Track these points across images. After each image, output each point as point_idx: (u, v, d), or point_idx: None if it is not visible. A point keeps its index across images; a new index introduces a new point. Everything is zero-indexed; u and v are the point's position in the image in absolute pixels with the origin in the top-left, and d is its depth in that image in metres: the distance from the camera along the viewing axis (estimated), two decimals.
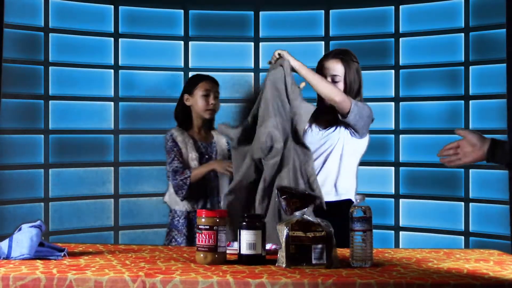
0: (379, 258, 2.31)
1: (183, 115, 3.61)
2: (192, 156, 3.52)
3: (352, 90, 3.05)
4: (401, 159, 4.96)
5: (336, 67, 3.07)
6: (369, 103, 3.07)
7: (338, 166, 3.01)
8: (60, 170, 4.78)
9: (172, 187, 3.54)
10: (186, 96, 3.58)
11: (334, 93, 2.91)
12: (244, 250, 2.20)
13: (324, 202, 2.71)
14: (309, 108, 2.88)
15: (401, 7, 4.97)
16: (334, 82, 3.04)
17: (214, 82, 3.61)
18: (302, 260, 2.12)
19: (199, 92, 3.54)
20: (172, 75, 5.11)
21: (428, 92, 4.89)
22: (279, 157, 2.73)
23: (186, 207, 3.54)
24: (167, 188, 3.66)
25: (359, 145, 3.06)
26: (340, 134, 3.01)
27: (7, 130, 4.53)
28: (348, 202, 2.91)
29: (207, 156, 3.57)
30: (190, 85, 3.61)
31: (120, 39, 5.00)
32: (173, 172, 3.49)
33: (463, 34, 4.76)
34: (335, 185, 3.00)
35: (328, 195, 2.93)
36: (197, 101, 3.55)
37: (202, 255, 2.20)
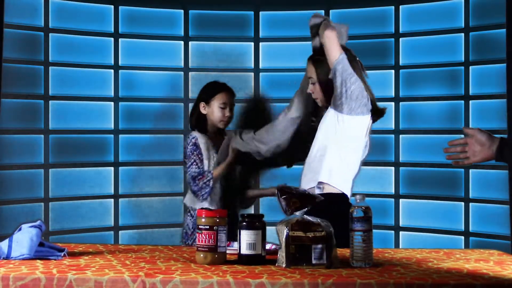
0: (379, 258, 2.31)
1: (198, 122, 3.67)
2: (214, 158, 3.62)
3: (329, 89, 2.96)
4: (401, 159, 4.95)
5: (310, 69, 3.05)
6: None
7: (323, 157, 2.95)
8: (60, 170, 4.78)
9: (192, 192, 3.58)
10: (202, 104, 3.66)
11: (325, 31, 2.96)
12: (244, 250, 2.20)
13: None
14: None
15: (401, 7, 4.97)
16: (312, 84, 3.03)
17: (231, 94, 3.69)
18: (302, 260, 2.12)
19: (216, 103, 3.63)
20: (172, 75, 5.11)
21: (428, 92, 4.89)
22: None
23: (210, 207, 3.57)
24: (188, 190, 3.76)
25: (352, 133, 2.94)
26: (326, 123, 2.97)
27: (7, 130, 4.53)
28: (335, 196, 2.87)
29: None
30: (208, 94, 3.69)
31: (120, 39, 5.00)
32: (192, 178, 3.55)
33: (463, 34, 4.75)
34: (318, 178, 2.95)
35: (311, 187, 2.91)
36: (214, 112, 3.63)
37: (202, 255, 2.20)
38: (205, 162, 3.61)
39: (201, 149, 3.61)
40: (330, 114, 2.95)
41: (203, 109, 3.66)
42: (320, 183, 2.91)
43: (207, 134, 3.69)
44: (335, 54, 2.88)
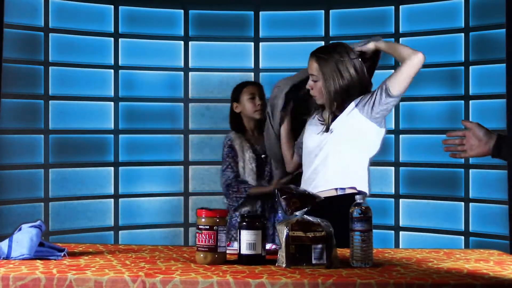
0: (379, 258, 2.31)
1: (235, 123, 3.74)
2: (249, 159, 3.65)
3: (332, 87, 2.89)
4: (401, 159, 4.95)
5: (312, 66, 2.93)
6: None
7: (329, 159, 2.92)
8: (60, 170, 4.78)
9: (224, 195, 3.62)
10: (234, 104, 3.78)
11: (413, 53, 2.89)
12: (244, 250, 2.20)
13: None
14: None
15: (401, 7, 4.97)
16: (313, 81, 2.94)
17: (257, 85, 3.81)
18: (302, 260, 2.11)
19: (245, 97, 3.72)
20: (172, 75, 5.12)
21: (428, 92, 4.89)
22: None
23: (246, 208, 3.61)
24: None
25: (379, 143, 2.94)
26: (350, 128, 2.92)
27: (7, 130, 4.54)
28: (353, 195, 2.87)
29: (263, 156, 3.68)
30: (236, 93, 3.79)
31: (120, 39, 5.00)
32: (226, 186, 3.61)
33: (463, 34, 4.76)
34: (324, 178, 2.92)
35: (318, 188, 2.89)
36: (245, 106, 3.72)
37: (202, 255, 2.19)
38: (240, 164, 3.65)
39: (236, 151, 3.67)
40: (357, 121, 2.90)
41: (236, 108, 3.75)
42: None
43: (245, 133, 3.73)
44: (405, 85, 2.89)
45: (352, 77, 2.92)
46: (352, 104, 2.91)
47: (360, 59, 2.99)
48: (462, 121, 2.45)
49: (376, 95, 2.88)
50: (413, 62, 2.88)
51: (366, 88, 2.95)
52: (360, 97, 2.91)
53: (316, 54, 2.96)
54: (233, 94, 3.79)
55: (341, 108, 2.93)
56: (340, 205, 2.70)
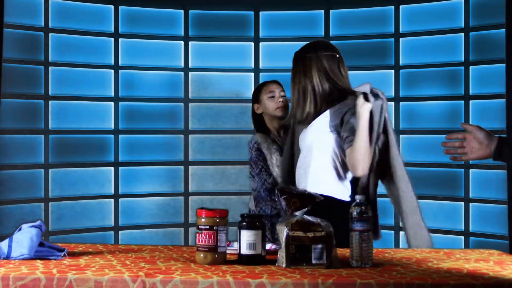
0: (379, 258, 2.31)
1: (258, 124, 3.68)
2: (277, 162, 3.57)
3: (296, 85, 2.94)
4: None
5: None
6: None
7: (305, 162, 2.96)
8: (60, 170, 4.78)
9: (260, 198, 3.54)
10: (256, 106, 3.69)
11: (359, 164, 2.81)
12: (244, 250, 2.20)
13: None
14: None
15: (401, 7, 4.97)
16: None
17: (276, 83, 3.72)
18: (302, 260, 2.12)
19: (264, 96, 3.63)
20: (172, 75, 5.12)
21: (428, 92, 4.89)
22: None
23: (271, 210, 3.57)
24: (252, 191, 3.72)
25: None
26: (314, 129, 2.94)
27: (7, 130, 4.54)
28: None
29: None
30: (256, 94, 3.72)
31: (120, 39, 5.00)
32: (267, 190, 3.52)
33: (463, 34, 4.76)
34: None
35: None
36: (266, 105, 3.62)
37: (202, 255, 2.20)
38: (269, 167, 3.61)
39: (264, 154, 3.60)
40: (328, 134, 2.94)
41: (257, 110, 3.67)
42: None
43: (270, 134, 3.67)
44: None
45: (313, 76, 2.92)
46: (327, 113, 2.91)
47: (338, 56, 2.96)
48: (462, 124, 2.44)
49: (341, 133, 2.88)
50: (351, 167, 2.85)
51: (337, 91, 2.92)
52: (336, 113, 2.89)
53: (295, 53, 3.02)
54: (253, 96, 3.73)
55: (307, 107, 2.93)
56: (337, 208, 2.72)
